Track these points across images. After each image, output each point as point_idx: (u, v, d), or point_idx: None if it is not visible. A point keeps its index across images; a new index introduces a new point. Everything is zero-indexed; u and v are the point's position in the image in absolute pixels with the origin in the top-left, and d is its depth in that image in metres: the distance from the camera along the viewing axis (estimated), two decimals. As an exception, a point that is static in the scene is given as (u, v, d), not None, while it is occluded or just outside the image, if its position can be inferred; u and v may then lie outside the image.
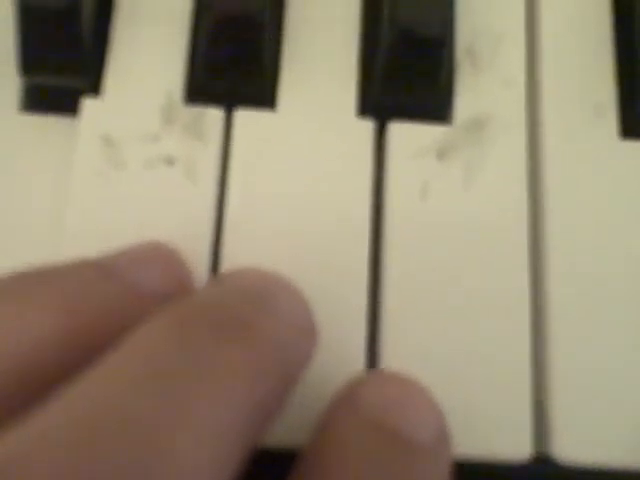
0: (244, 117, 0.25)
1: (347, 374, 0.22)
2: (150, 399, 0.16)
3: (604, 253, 0.25)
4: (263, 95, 0.26)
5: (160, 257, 0.22)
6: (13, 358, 0.18)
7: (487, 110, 0.26)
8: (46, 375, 0.18)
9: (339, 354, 0.23)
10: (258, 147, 0.25)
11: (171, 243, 0.23)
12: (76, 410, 0.15)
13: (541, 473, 0.24)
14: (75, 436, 0.15)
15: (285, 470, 0.20)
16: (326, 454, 0.19)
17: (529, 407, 0.23)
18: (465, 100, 0.26)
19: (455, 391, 0.23)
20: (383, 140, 0.26)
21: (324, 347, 0.23)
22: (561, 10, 0.27)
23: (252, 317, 0.19)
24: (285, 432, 0.22)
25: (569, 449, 0.23)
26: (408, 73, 0.25)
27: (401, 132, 0.25)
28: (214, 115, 0.25)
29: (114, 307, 0.20)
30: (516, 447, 0.23)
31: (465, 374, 0.23)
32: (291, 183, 0.25)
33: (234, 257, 0.24)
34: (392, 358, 0.23)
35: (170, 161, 0.24)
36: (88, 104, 0.25)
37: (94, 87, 0.25)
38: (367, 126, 0.25)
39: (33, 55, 0.24)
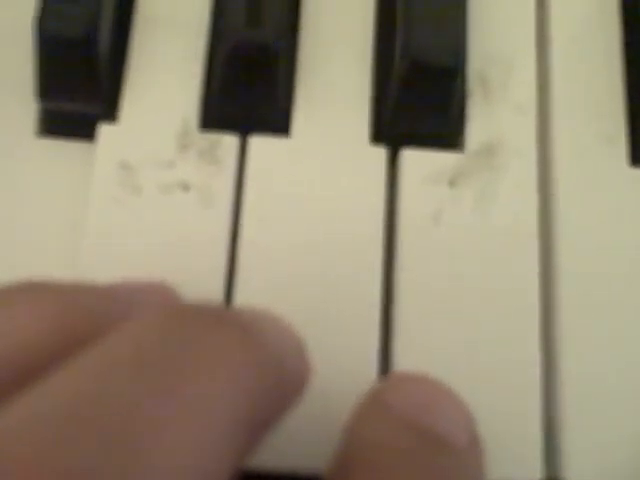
0: (259, 143, 0.25)
1: (360, 391, 0.22)
2: (136, 384, 0.15)
3: (615, 279, 0.25)
4: (277, 121, 0.26)
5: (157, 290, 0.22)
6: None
7: (498, 137, 0.26)
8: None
9: (352, 373, 0.24)
10: (272, 173, 0.25)
11: (186, 269, 0.23)
12: (58, 397, 0.15)
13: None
14: (56, 423, 0.14)
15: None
16: (359, 456, 0.19)
17: (540, 429, 0.23)
18: (477, 127, 0.26)
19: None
20: (396, 167, 0.26)
21: (338, 366, 0.23)
22: (572, 38, 0.27)
23: (249, 323, 0.18)
24: (299, 454, 0.23)
25: (580, 471, 0.23)
26: (420, 102, 0.25)
27: (413, 159, 0.26)
28: (229, 141, 0.25)
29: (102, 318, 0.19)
30: (527, 469, 0.23)
31: (475, 395, 0.23)
32: (305, 209, 0.25)
33: (249, 282, 0.24)
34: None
35: (185, 187, 0.25)
36: (105, 130, 0.25)
37: (110, 113, 0.26)
38: (380, 153, 0.26)
39: (50, 82, 0.25)
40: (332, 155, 0.26)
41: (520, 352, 0.24)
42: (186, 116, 0.25)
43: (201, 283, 0.24)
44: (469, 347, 0.24)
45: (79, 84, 0.24)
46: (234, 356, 0.17)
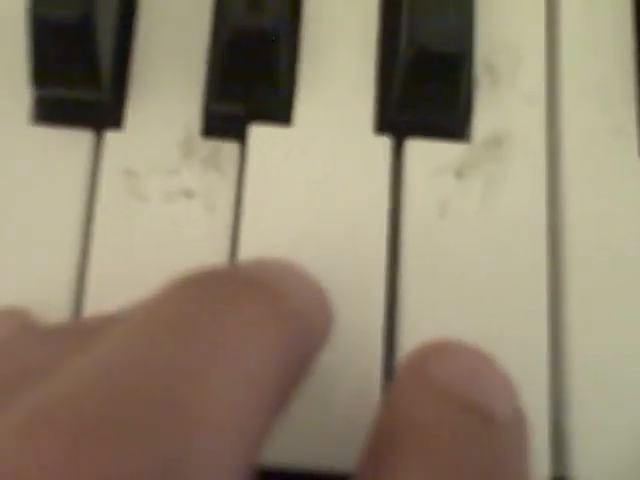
0: (259, 132, 0.25)
1: (364, 384, 0.22)
2: (177, 350, 0.16)
3: (624, 270, 0.25)
4: (279, 110, 0.25)
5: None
6: None
7: (506, 127, 0.26)
8: None
9: (357, 366, 0.23)
10: (273, 163, 0.25)
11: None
12: (106, 362, 0.16)
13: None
14: (106, 387, 0.15)
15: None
16: (403, 432, 0.19)
17: (547, 428, 0.23)
18: (484, 117, 0.26)
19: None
20: (401, 157, 0.25)
21: (343, 360, 0.23)
22: (582, 27, 0.27)
23: (268, 278, 0.19)
24: (306, 451, 0.23)
25: (587, 471, 0.23)
26: (426, 90, 0.25)
27: (419, 150, 0.25)
28: (231, 148, 0.25)
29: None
30: (534, 468, 0.23)
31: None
32: (307, 200, 0.25)
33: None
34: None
35: (189, 193, 0.25)
36: (110, 138, 0.25)
37: (111, 101, 0.26)
38: (384, 143, 0.25)
39: (45, 68, 0.24)
40: (335, 145, 0.25)
41: (527, 348, 0.24)
42: (189, 124, 0.26)
43: None
44: (475, 342, 0.23)
45: (77, 70, 0.24)
46: (268, 321, 0.18)
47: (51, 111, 0.26)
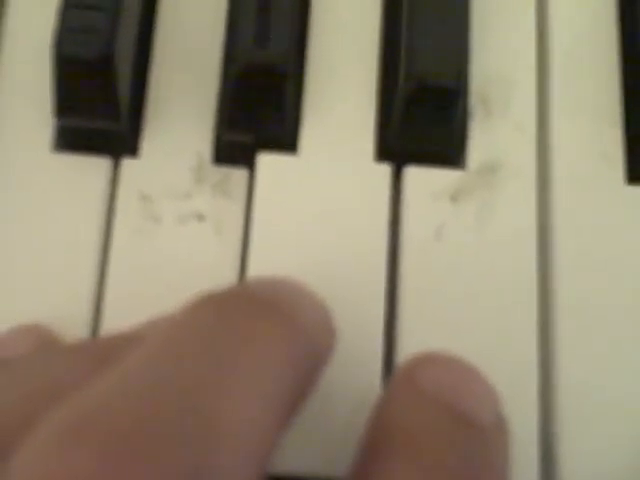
0: (267, 160, 0.26)
1: (364, 398, 0.23)
2: (199, 367, 0.17)
3: (613, 295, 0.26)
4: (285, 139, 0.27)
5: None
6: None
7: (499, 155, 0.27)
8: None
9: (356, 386, 0.24)
10: (280, 189, 0.26)
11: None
12: (134, 379, 0.17)
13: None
14: (136, 402, 0.16)
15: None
16: (392, 438, 0.20)
17: (536, 438, 0.24)
18: (478, 145, 0.27)
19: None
20: (400, 183, 0.27)
21: (343, 378, 0.24)
22: (571, 58, 0.28)
23: (279, 300, 0.20)
24: (308, 458, 0.24)
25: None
26: (423, 121, 0.26)
27: (417, 176, 0.26)
28: (240, 174, 0.27)
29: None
30: (523, 477, 0.24)
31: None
32: (311, 222, 0.26)
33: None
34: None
35: (201, 217, 0.26)
36: (126, 164, 0.27)
37: (128, 131, 0.27)
38: (384, 170, 0.27)
39: (67, 101, 0.25)
40: (338, 172, 0.26)
41: (518, 365, 0.25)
42: (200, 151, 0.27)
43: None
44: (469, 359, 0.25)
45: (96, 103, 0.25)
46: (280, 341, 0.19)
47: (72, 139, 0.27)
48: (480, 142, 0.27)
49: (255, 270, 0.25)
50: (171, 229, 0.26)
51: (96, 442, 0.15)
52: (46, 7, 0.27)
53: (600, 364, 0.25)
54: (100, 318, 0.25)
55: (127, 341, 0.22)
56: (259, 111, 0.26)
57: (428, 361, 0.22)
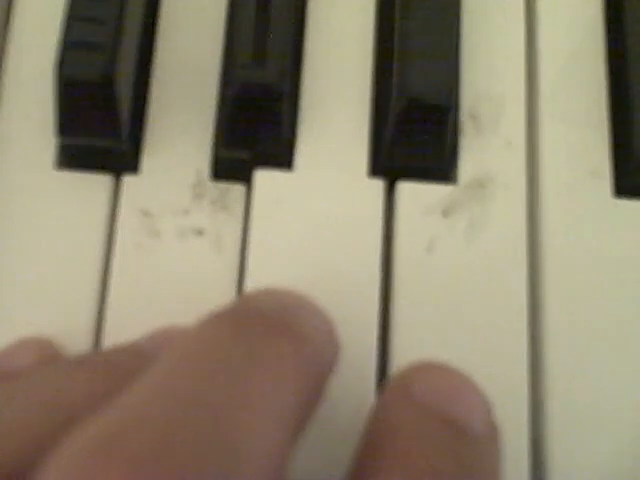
0: (264, 176, 0.27)
1: (359, 407, 0.24)
2: (218, 386, 0.18)
3: (602, 306, 0.26)
4: (281, 156, 0.27)
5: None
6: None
7: (489, 170, 0.28)
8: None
9: (350, 397, 0.25)
10: (276, 203, 0.27)
11: (198, 308, 0.25)
12: (157, 397, 0.17)
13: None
14: (162, 421, 0.16)
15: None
16: (385, 442, 0.20)
17: (527, 445, 0.25)
18: (469, 161, 0.28)
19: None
20: (392, 198, 0.28)
21: (338, 391, 0.24)
22: (560, 76, 0.29)
23: (291, 320, 0.21)
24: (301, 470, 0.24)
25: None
26: (415, 137, 0.27)
27: (409, 191, 0.27)
28: (238, 190, 0.27)
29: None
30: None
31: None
32: (307, 237, 0.27)
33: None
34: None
35: (199, 232, 0.27)
36: (127, 181, 0.27)
37: (129, 148, 0.28)
38: (378, 185, 0.27)
39: (69, 119, 0.26)
40: (333, 187, 0.27)
41: (508, 375, 0.25)
42: (199, 168, 0.28)
43: None
44: (460, 366, 0.25)
45: (98, 122, 0.26)
46: (293, 361, 0.20)
47: (74, 157, 0.28)
48: (471, 158, 0.28)
49: (253, 283, 0.26)
50: (171, 244, 0.27)
51: (125, 461, 0.15)
52: (49, 27, 0.28)
53: (589, 373, 0.26)
54: (101, 332, 0.26)
55: (129, 354, 0.23)
56: (256, 129, 0.27)
57: (422, 370, 0.22)
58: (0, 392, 0.21)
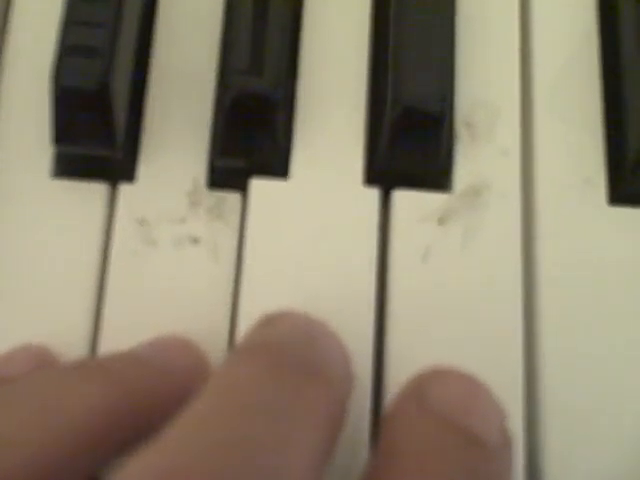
0: (259, 185, 0.27)
1: (353, 418, 0.24)
2: (258, 425, 0.18)
3: (596, 313, 0.27)
4: (277, 165, 0.28)
5: (179, 343, 0.25)
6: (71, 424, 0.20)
7: (484, 178, 0.28)
8: (96, 439, 0.20)
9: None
10: (272, 211, 0.27)
11: (193, 316, 0.26)
12: (200, 435, 0.18)
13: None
14: (209, 460, 0.17)
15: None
16: (399, 453, 0.21)
17: (522, 451, 0.25)
18: (464, 169, 0.28)
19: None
20: (388, 206, 0.28)
21: None
22: (555, 85, 0.29)
23: (317, 361, 0.21)
24: None
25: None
26: (410, 146, 0.27)
27: (404, 199, 0.27)
28: (234, 198, 0.27)
29: (148, 384, 0.22)
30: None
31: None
32: (302, 244, 0.27)
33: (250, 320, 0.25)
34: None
35: (195, 240, 0.27)
36: (123, 189, 0.27)
37: (125, 157, 0.28)
38: (373, 194, 0.27)
39: (65, 128, 0.26)
40: (328, 196, 0.27)
41: (503, 383, 0.25)
42: (196, 177, 0.28)
43: (207, 330, 0.26)
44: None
45: (94, 131, 0.26)
46: (320, 399, 0.20)
47: (70, 166, 0.28)
48: (466, 166, 0.28)
49: (248, 292, 0.26)
50: (167, 252, 0.27)
51: None
52: (45, 35, 0.28)
53: (584, 381, 0.26)
54: (98, 339, 0.26)
55: (126, 360, 0.23)
56: (251, 137, 0.27)
57: (437, 377, 0.22)
58: None
